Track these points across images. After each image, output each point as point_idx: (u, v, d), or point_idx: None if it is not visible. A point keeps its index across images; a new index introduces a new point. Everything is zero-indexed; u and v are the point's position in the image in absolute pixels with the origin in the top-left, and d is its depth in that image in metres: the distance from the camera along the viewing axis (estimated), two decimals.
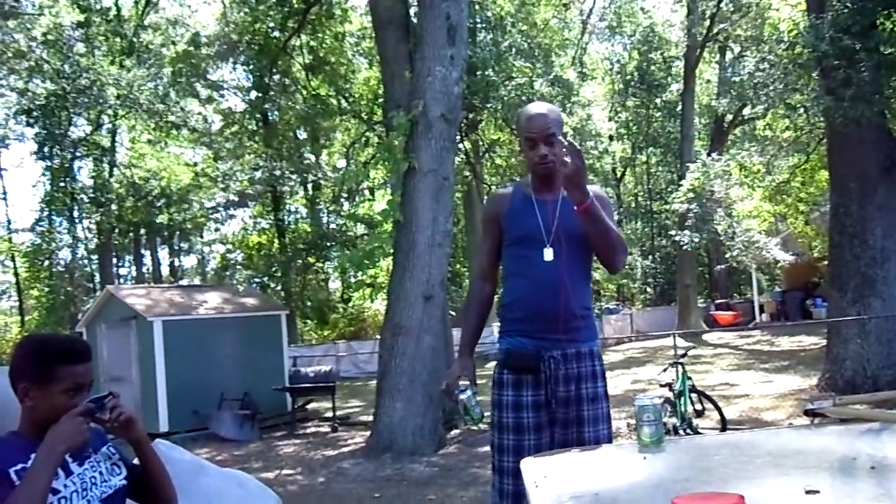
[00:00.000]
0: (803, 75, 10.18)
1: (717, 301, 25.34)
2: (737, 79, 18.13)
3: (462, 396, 2.73)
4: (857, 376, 9.50)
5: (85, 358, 2.03)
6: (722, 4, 24.56)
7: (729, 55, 27.41)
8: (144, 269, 30.32)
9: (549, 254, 2.69)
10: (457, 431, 9.86)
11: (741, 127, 25.58)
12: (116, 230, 23.97)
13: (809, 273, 21.55)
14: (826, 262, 11.45)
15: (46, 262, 22.64)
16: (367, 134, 15.19)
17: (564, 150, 2.59)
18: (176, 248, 32.69)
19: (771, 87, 11.28)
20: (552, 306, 2.67)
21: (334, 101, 17.76)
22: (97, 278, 26.06)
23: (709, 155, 20.13)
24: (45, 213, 22.98)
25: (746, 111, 21.69)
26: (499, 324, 2.94)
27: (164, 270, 32.64)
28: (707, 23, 24.68)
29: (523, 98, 14.85)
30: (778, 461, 1.84)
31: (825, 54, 8.92)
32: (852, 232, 9.81)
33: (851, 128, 9.08)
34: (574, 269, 2.72)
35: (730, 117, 24.53)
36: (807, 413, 2.38)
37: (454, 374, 2.82)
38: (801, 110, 11.79)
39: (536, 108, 2.88)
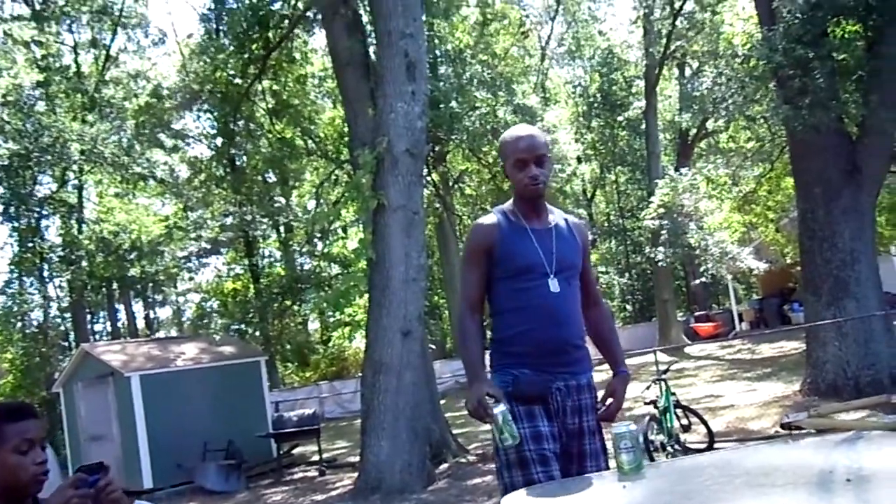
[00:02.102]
0: (760, 87, 10.34)
1: (697, 313, 25.48)
2: (697, 94, 18.45)
3: (496, 411, 2.42)
4: (838, 379, 9.55)
5: (30, 414, 2.03)
6: (677, 22, 25.04)
7: (688, 71, 27.90)
8: (120, 324, 29.93)
9: (554, 285, 2.64)
10: (445, 466, 9.77)
11: (705, 140, 25.94)
12: (89, 286, 23.63)
13: (784, 279, 21.76)
14: (799, 268, 11.55)
15: (19, 325, 22.24)
16: (336, 173, 15.17)
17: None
18: (150, 300, 32.34)
19: (730, 101, 11.45)
20: (560, 338, 2.63)
21: (301, 143, 17.76)
22: (72, 336, 25.68)
23: (676, 170, 20.36)
24: (15, 275, 22.64)
25: (709, 125, 22.04)
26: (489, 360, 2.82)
27: (140, 324, 32.26)
28: (664, 41, 25.12)
29: (488, 127, 14.95)
30: (756, 480, 1.82)
31: (780, 65, 9.08)
32: (821, 236, 9.92)
33: (812, 135, 9.23)
34: (573, 298, 2.71)
35: (693, 131, 24.89)
36: (783, 426, 2.37)
37: (480, 390, 2.52)
38: (762, 121, 11.98)
39: (524, 129, 2.86)
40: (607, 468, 2.67)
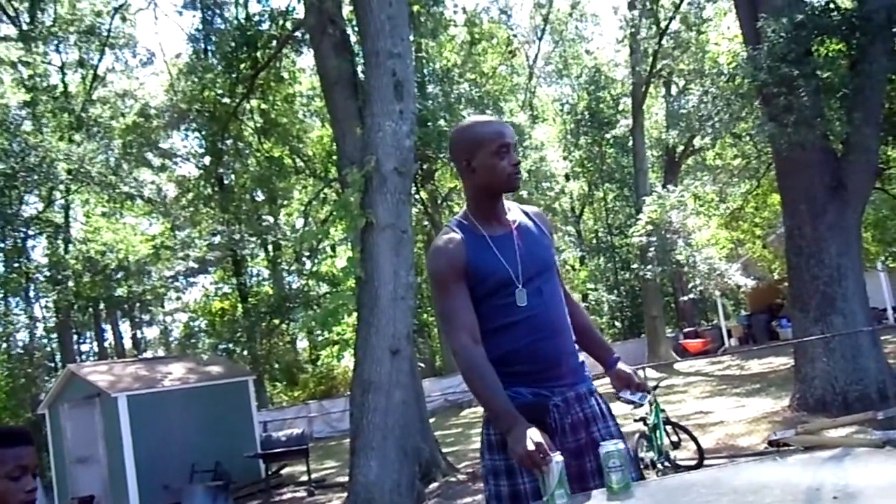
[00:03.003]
0: (746, 105, 10.42)
1: (686, 329, 25.51)
2: (683, 111, 18.59)
3: (555, 461, 2.06)
4: (826, 394, 9.57)
5: (24, 440, 2.00)
6: (663, 42, 25.27)
7: (674, 89, 28.12)
8: (107, 344, 29.74)
9: (521, 297, 2.38)
10: (435, 485, 9.71)
11: (692, 157, 26.10)
12: (75, 307, 23.48)
13: (772, 295, 21.84)
14: (787, 284, 11.61)
15: (4, 346, 22.06)
16: (324, 191, 15.19)
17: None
18: (137, 320, 32.16)
19: (716, 118, 11.54)
20: (548, 351, 2.39)
21: (289, 161, 17.80)
22: (58, 357, 25.47)
23: (664, 187, 20.48)
24: (0, 296, 22.48)
25: (696, 142, 22.17)
26: None
27: (127, 344, 32.06)
28: (650, 60, 25.32)
29: None
30: (745, 498, 1.81)
31: (765, 83, 9.16)
32: (808, 252, 9.97)
33: (797, 152, 9.30)
34: (556, 303, 2.47)
35: (681, 149, 25.04)
36: (771, 444, 2.37)
37: (531, 436, 2.12)
38: (748, 138, 12.07)
39: (489, 117, 2.65)
40: (641, 478, 2.50)
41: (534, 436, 2.13)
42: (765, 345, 19.26)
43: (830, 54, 9.83)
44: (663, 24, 25.50)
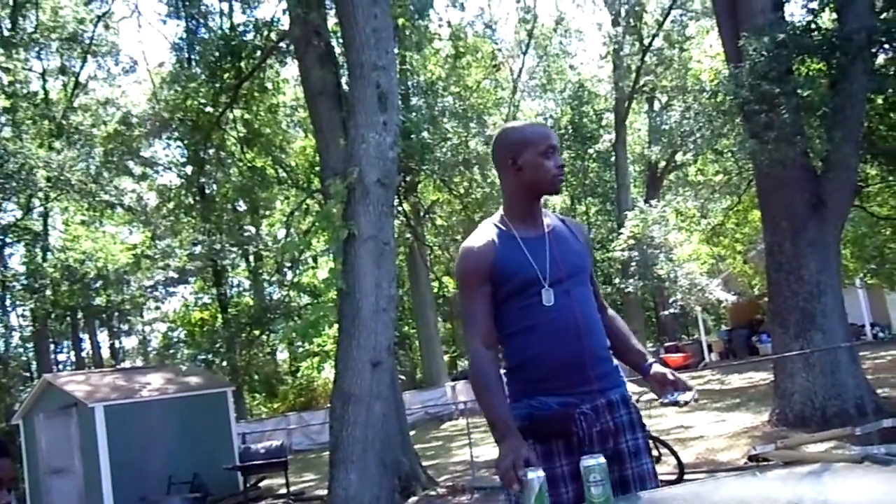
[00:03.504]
0: (727, 121, 10.52)
1: (666, 344, 25.62)
2: (666, 127, 18.75)
3: (532, 476, 2.02)
4: (805, 409, 9.63)
5: (4, 453, 1.95)
6: (646, 58, 25.51)
7: (657, 105, 28.38)
8: (84, 354, 29.42)
9: (548, 297, 2.34)
10: (414, 499, 9.66)
11: (674, 173, 26.28)
12: (52, 315, 23.24)
13: (753, 310, 22.00)
14: (767, 299, 11.69)
15: None
16: (307, 202, 15.12)
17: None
18: (115, 329, 31.85)
19: (698, 135, 11.64)
20: (574, 354, 2.32)
21: (271, 172, 17.73)
22: (34, 366, 25.16)
23: (646, 202, 20.61)
24: None
25: (678, 157, 22.35)
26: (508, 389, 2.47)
27: (105, 353, 31.73)
28: (633, 76, 25.54)
29: (459, 158, 15.03)
30: None
31: (746, 100, 9.25)
32: (788, 269, 10.05)
33: (777, 168, 9.38)
34: (585, 305, 2.41)
35: (663, 164, 25.24)
36: (751, 459, 2.37)
37: (515, 450, 2.13)
38: (729, 154, 12.17)
39: (536, 121, 2.68)
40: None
41: (518, 453, 2.11)
42: (745, 360, 19.37)
43: (811, 73, 9.96)
44: (646, 41, 25.78)
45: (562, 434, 2.29)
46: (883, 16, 10.05)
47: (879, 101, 10.35)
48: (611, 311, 2.64)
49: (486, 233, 2.48)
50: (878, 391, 10.51)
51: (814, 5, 10.37)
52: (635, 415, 2.44)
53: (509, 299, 2.40)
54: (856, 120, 9.66)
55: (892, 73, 9.75)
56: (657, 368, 2.46)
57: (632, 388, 2.53)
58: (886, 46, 9.80)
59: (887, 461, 2.01)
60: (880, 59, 10.05)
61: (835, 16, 10.21)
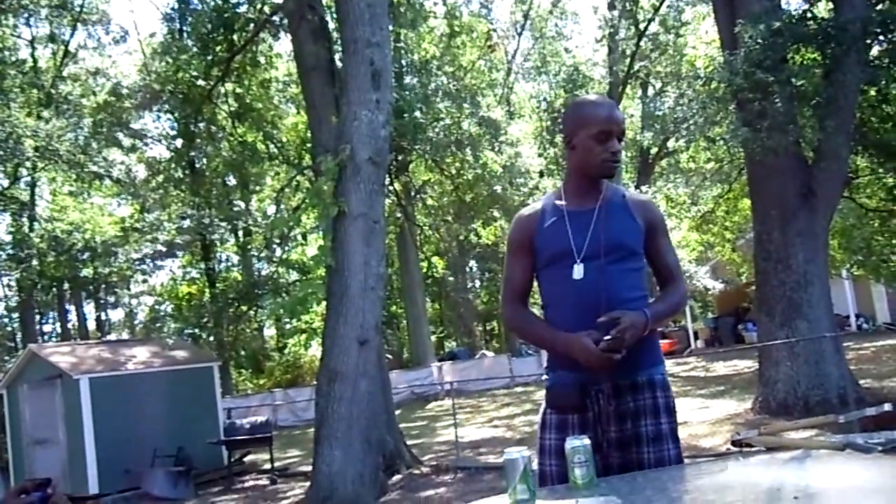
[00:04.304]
0: (721, 109, 10.51)
1: None
2: (659, 113, 18.73)
3: (516, 456, 1.98)
4: (788, 398, 9.71)
5: None
6: (641, 43, 25.43)
7: (651, 90, 28.32)
8: (70, 325, 29.31)
9: (578, 271, 2.34)
10: (398, 477, 9.70)
11: (666, 159, 26.30)
12: (38, 286, 23.11)
13: (739, 299, 22.12)
14: (754, 288, 11.75)
15: None
16: (297, 179, 15.05)
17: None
18: (102, 301, 31.72)
19: (691, 121, 11.65)
20: (598, 329, 2.27)
21: (262, 147, 17.62)
22: (19, 337, 25.07)
23: (637, 188, 20.61)
24: None
25: (670, 144, 22.37)
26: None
27: (91, 325, 31.61)
28: (628, 61, 25.47)
29: (451, 138, 14.98)
30: (705, 496, 1.82)
31: (740, 88, 9.24)
32: (776, 258, 10.10)
33: (769, 157, 9.39)
34: (619, 283, 2.35)
35: (655, 150, 25.24)
36: (734, 444, 2.37)
37: (576, 341, 2.26)
38: (721, 142, 12.18)
39: (604, 98, 2.57)
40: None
41: (579, 339, 2.25)
42: (730, 348, 19.50)
43: (805, 62, 9.95)
44: (642, 26, 25.68)
45: (575, 408, 2.33)
46: (879, 7, 10.05)
47: (872, 92, 10.36)
48: (676, 283, 2.53)
49: (538, 204, 2.56)
50: (861, 382, 10.61)
51: None
52: (662, 399, 2.39)
53: (545, 269, 2.47)
54: (848, 110, 9.67)
55: (885, 64, 9.73)
56: (626, 315, 2.29)
57: None
58: (881, 38, 9.79)
59: (868, 449, 2.03)
60: (874, 50, 10.04)
61: (831, 6, 10.20)
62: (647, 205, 2.56)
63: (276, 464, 11.95)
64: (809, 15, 10.12)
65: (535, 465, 2.14)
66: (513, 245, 2.57)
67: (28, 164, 19.93)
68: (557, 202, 2.49)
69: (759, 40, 9.00)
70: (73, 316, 30.21)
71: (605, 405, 2.32)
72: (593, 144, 2.40)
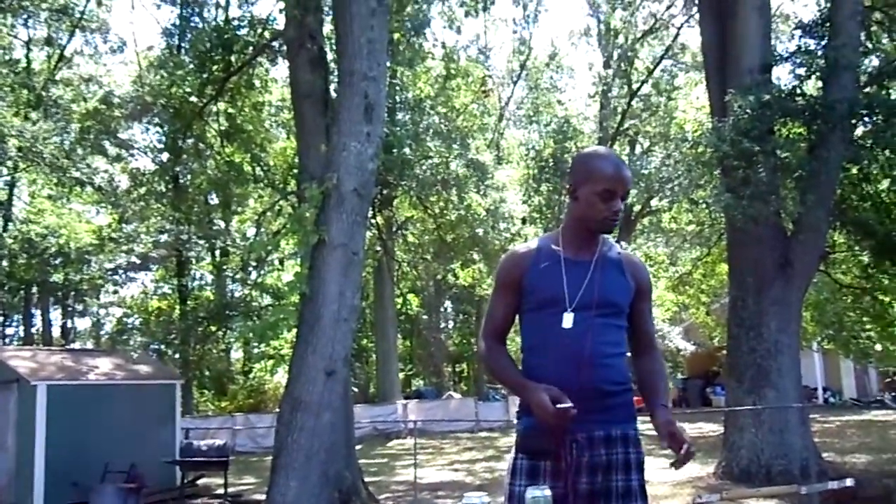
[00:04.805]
0: (706, 173, 10.67)
1: None
2: (645, 172, 18.96)
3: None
4: (751, 465, 9.71)
5: None
6: (633, 102, 25.85)
7: (638, 149, 28.68)
8: (34, 330, 28.78)
9: (568, 320, 2.34)
10: None
11: (648, 218, 26.56)
12: (5, 287, 22.72)
13: (710, 362, 22.22)
14: (725, 352, 11.80)
15: None
16: (280, 203, 15.00)
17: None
18: (70, 309, 31.24)
19: (676, 182, 11.80)
20: (576, 382, 2.27)
21: (248, 168, 17.59)
22: None
23: (618, 243, 20.75)
24: None
25: (653, 203, 22.59)
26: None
27: (56, 332, 31.07)
28: (619, 118, 25.85)
29: (438, 177, 15.04)
30: None
31: (726, 155, 9.38)
32: (749, 325, 10.17)
33: (750, 225, 9.51)
34: (603, 338, 2.36)
35: (638, 208, 25.46)
36: (673, 465, 2.36)
37: (537, 392, 2.25)
38: (704, 206, 12.33)
39: (613, 154, 2.57)
40: None
41: (540, 391, 2.23)
42: (697, 409, 19.50)
43: (791, 136, 10.15)
44: (635, 86, 26.13)
45: (548, 453, 2.30)
46: (866, 90, 10.29)
47: (854, 170, 10.57)
48: (654, 357, 2.58)
49: (533, 243, 2.56)
50: (824, 455, 10.63)
51: (801, 72, 10.59)
52: (634, 456, 2.41)
53: (532, 312, 2.45)
54: (830, 186, 9.85)
55: (868, 145, 9.95)
56: (662, 415, 2.42)
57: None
58: (866, 119, 10.02)
59: None
60: (859, 130, 10.27)
61: (820, 84, 10.43)
62: (639, 267, 2.57)
63: (230, 489, 11.70)
64: (799, 91, 10.35)
65: None
66: (500, 281, 2.56)
67: (9, 163, 19.73)
68: (554, 247, 2.48)
69: (748, 110, 9.17)
70: (38, 321, 29.69)
71: (578, 455, 2.30)
72: (597, 200, 2.40)
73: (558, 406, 2.19)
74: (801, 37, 11.36)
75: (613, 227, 2.47)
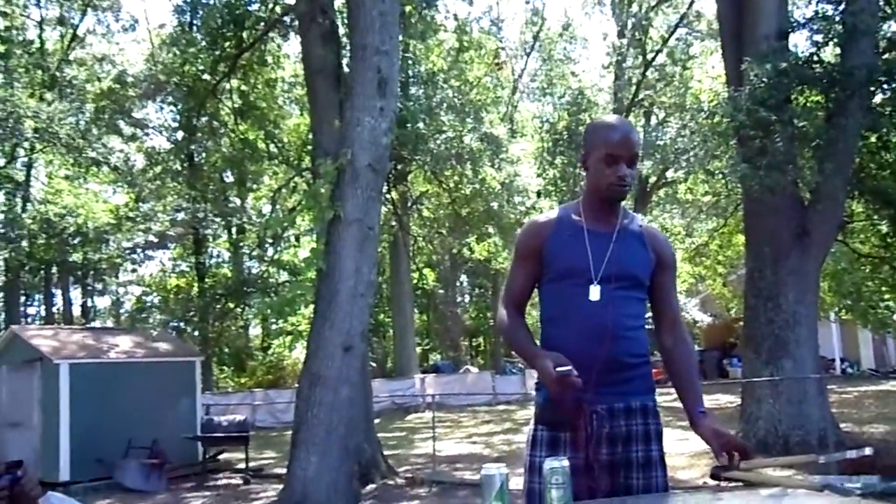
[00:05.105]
0: (722, 143, 10.56)
1: None
2: (660, 143, 18.81)
3: (493, 472, 1.99)
4: (769, 436, 9.71)
5: None
6: (648, 73, 25.58)
7: (653, 120, 28.43)
8: (55, 309, 29.13)
9: (595, 292, 2.33)
10: (372, 487, 9.63)
11: (664, 189, 26.38)
12: (26, 268, 22.96)
13: (726, 333, 22.15)
14: (742, 323, 11.76)
15: None
16: (295, 180, 15.03)
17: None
18: (89, 288, 31.56)
19: (692, 153, 11.70)
20: (597, 353, 2.28)
21: (262, 146, 17.61)
22: (2, 317, 24.90)
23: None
24: None
25: (669, 174, 22.45)
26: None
27: (76, 311, 31.43)
28: (633, 89, 25.60)
29: (452, 151, 15.00)
30: None
31: (743, 124, 9.28)
32: (766, 295, 10.12)
33: (766, 195, 9.43)
34: (625, 311, 2.37)
35: (653, 179, 25.31)
36: (713, 476, 2.35)
37: (542, 360, 2.22)
38: (720, 176, 12.23)
39: (619, 120, 2.59)
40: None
41: (546, 360, 2.20)
42: (714, 381, 19.49)
43: (809, 104, 10.02)
44: (650, 56, 25.83)
45: (570, 426, 2.31)
46: (885, 56, 10.12)
47: (873, 139, 10.43)
48: (679, 334, 2.55)
49: (553, 213, 2.53)
50: (842, 425, 10.61)
51: (818, 38, 10.41)
52: (653, 427, 2.40)
53: (552, 282, 2.43)
54: (848, 155, 9.73)
55: (887, 112, 9.81)
56: (708, 424, 2.35)
57: None
58: (885, 86, 9.87)
59: (846, 492, 2.01)
60: (878, 97, 10.11)
61: (838, 51, 10.27)
62: (661, 240, 2.54)
63: (251, 464, 11.86)
64: (816, 58, 10.19)
65: (512, 483, 2.11)
66: (519, 250, 2.55)
67: (26, 144, 19.86)
68: (575, 217, 2.46)
69: (765, 79, 9.05)
70: (58, 300, 30.04)
71: (599, 426, 2.31)
72: (603, 167, 2.38)
73: (558, 370, 2.17)
74: (818, 2, 11.18)
75: (622, 193, 2.43)
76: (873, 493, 1.99)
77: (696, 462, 9.70)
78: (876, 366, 22.27)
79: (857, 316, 15.38)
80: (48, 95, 19.19)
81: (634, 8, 26.23)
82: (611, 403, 2.32)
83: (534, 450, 2.38)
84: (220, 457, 12.59)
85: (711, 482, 2.38)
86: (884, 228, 12.02)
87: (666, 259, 2.49)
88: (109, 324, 29.66)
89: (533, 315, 3.05)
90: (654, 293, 2.50)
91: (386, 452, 11.12)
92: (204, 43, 14.19)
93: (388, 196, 13.75)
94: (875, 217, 11.95)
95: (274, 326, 29.14)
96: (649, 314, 2.60)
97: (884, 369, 21.93)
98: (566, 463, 2.06)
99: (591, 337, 2.30)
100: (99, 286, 31.46)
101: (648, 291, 2.48)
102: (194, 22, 15.93)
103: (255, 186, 24.74)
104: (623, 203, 2.53)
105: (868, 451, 2.59)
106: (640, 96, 25.98)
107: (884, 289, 13.74)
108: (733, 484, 2.32)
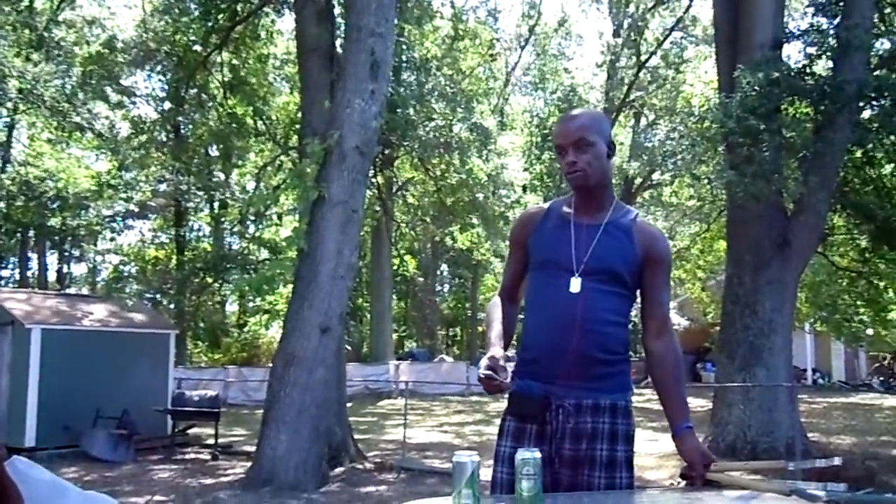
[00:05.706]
0: (710, 149, 10.60)
1: None
2: (648, 145, 18.88)
3: (465, 460, 1.95)
4: (737, 441, 9.80)
5: None
6: (640, 74, 25.62)
7: (643, 121, 28.53)
8: (29, 273, 28.81)
9: (576, 284, 2.31)
10: (340, 470, 9.62)
11: (649, 191, 26.50)
12: (2, 229, 22.66)
13: (702, 337, 22.32)
14: (718, 329, 11.85)
15: None
16: (281, 158, 14.91)
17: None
18: (66, 254, 31.24)
19: (679, 157, 11.74)
20: (565, 346, 2.28)
21: (250, 122, 17.45)
22: None
23: None
24: None
25: (655, 176, 22.53)
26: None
27: (52, 276, 31.11)
28: (625, 89, 25.64)
29: (441, 140, 14.95)
30: None
31: (731, 131, 9.30)
32: (744, 302, 10.19)
33: (750, 203, 9.47)
34: (600, 305, 2.32)
35: (639, 180, 25.41)
36: (682, 476, 2.36)
37: (490, 362, 2.23)
38: (706, 181, 12.28)
39: (567, 113, 2.66)
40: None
41: (486, 361, 2.23)
42: (687, 384, 19.64)
43: (798, 115, 10.07)
44: (643, 57, 25.86)
45: (534, 417, 2.31)
46: (876, 72, 10.19)
47: (858, 154, 10.53)
48: (667, 340, 2.47)
49: (545, 205, 2.59)
50: (810, 435, 10.73)
51: (812, 50, 10.48)
52: (622, 426, 2.35)
53: (535, 271, 2.47)
54: (833, 168, 9.81)
55: (875, 128, 9.89)
56: (695, 446, 2.38)
57: None
58: (875, 102, 9.95)
59: (813, 497, 2.02)
60: (866, 113, 10.20)
61: (830, 64, 10.33)
62: (652, 236, 2.47)
63: (220, 440, 11.81)
64: (808, 70, 10.25)
65: (483, 474, 2.10)
66: (510, 239, 2.68)
67: (9, 104, 19.56)
68: (566, 209, 2.48)
69: (756, 87, 9.08)
70: (34, 264, 29.69)
71: (564, 421, 2.29)
72: (561, 159, 2.45)
73: (481, 372, 2.20)
74: (813, 14, 11.23)
75: (577, 179, 2.40)
76: (839, 501, 2.00)
77: (665, 463, 9.77)
78: (847, 378, 22.54)
79: (831, 328, 15.55)
80: (35, 56, 18.87)
81: (631, 8, 26.26)
82: (579, 399, 2.29)
83: (501, 439, 2.39)
84: (190, 431, 12.52)
85: (681, 481, 2.38)
86: (863, 243, 12.14)
87: (655, 255, 2.43)
88: (85, 291, 29.39)
89: None
90: (644, 290, 2.46)
91: (356, 437, 11.11)
92: (197, 13, 14.01)
93: (373, 180, 13.69)
94: (855, 231, 12.07)
95: (251, 304, 29.02)
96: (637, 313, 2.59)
97: (854, 382, 22.21)
98: (538, 454, 2.05)
99: (561, 328, 2.30)
100: (76, 253, 31.15)
101: (637, 288, 2.45)
102: None
103: (240, 162, 24.54)
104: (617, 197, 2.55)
105: (837, 461, 2.61)
106: (632, 97, 26.04)
107: (859, 303, 13.90)
108: (701, 485, 2.33)
